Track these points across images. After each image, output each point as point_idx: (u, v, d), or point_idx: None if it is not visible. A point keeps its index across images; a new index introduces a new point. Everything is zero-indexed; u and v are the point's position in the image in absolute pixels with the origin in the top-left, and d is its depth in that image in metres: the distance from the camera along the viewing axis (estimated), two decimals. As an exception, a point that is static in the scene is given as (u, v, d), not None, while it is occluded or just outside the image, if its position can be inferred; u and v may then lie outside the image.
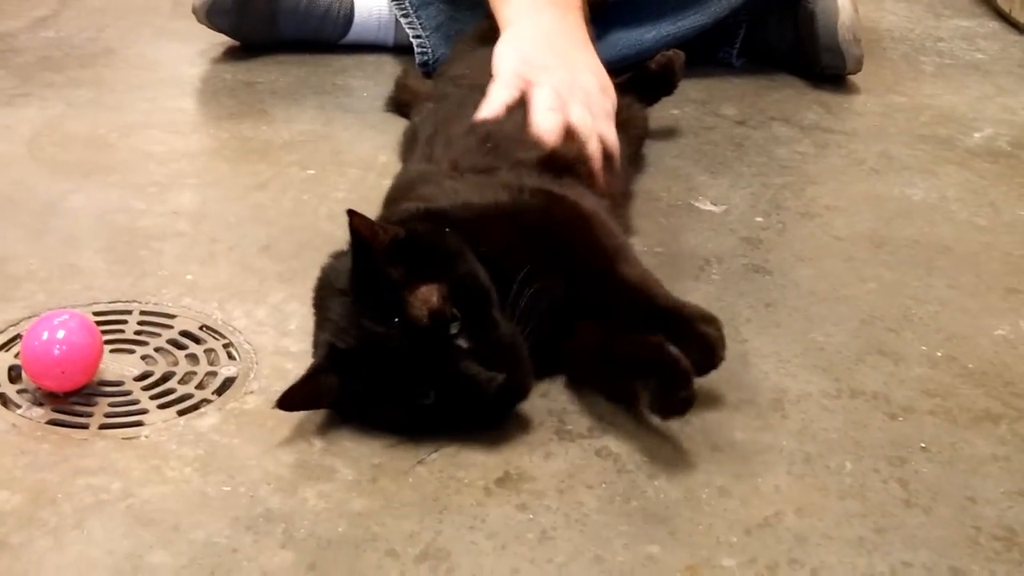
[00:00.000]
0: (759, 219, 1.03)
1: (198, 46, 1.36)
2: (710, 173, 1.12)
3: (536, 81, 0.94)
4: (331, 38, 1.38)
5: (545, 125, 0.90)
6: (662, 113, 1.27)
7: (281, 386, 0.74)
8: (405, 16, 1.35)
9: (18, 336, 0.77)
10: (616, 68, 1.34)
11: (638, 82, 1.15)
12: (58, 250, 0.89)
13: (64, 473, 0.65)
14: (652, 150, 1.17)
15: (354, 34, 1.38)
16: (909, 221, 1.04)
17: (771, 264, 0.94)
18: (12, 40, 1.34)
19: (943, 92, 1.40)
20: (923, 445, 0.72)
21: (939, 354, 0.82)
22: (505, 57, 0.97)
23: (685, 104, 1.31)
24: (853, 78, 1.39)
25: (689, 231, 1.00)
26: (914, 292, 0.91)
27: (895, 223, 1.04)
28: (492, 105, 0.93)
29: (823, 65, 1.37)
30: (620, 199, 0.96)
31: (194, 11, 1.32)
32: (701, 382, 0.70)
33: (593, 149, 0.91)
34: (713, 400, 0.75)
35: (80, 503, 0.63)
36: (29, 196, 0.98)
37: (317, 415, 0.71)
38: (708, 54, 1.43)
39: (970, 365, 0.81)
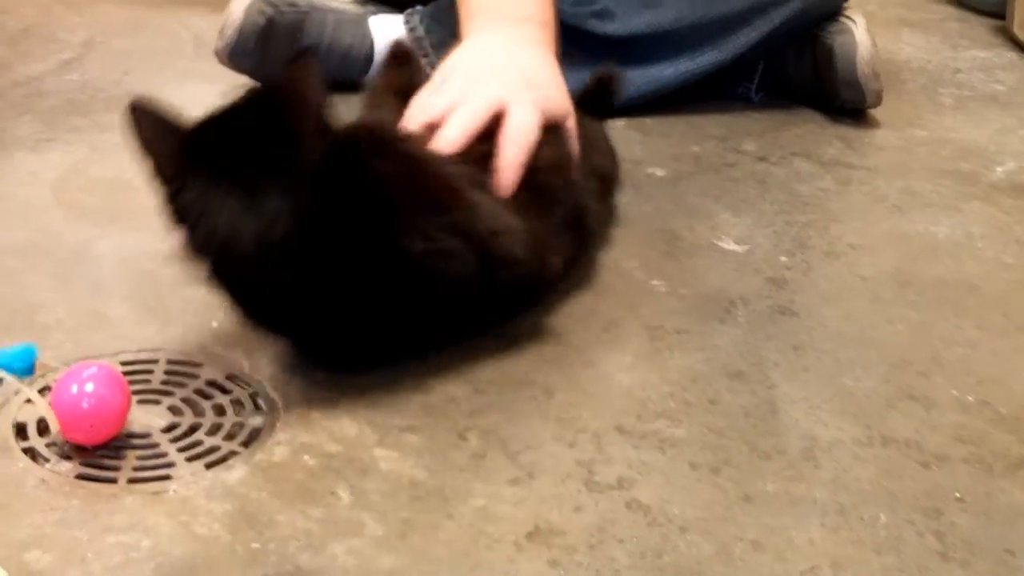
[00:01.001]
0: (783, 259, 1.02)
1: (220, 87, 1.36)
2: (732, 211, 1.12)
3: (447, 85, 0.91)
4: (353, 76, 1.38)
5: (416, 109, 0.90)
6: (682, 150, 1.28)
7: (308, 438, 0.74)
8: (424, 56, 1.35)
9: (47, 388, 0.77)
10: (636, 105, 1.36)
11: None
12: (85, 298, 0.89)
13: (94, 530, 0.65)
14: (674, 188, 1.17)
15: (375, 72, 1.39)
16: (934, 259, 1.04)
17: (797, 305, 0.94)
18: (38, 84, 1.35)
19: (963, 125, 1.40)
20: (958, 495, 0.71)
21: (970, 399, 0.82)
22: (438, 71, 0.94)
23: (705, 140, 1.31)
24: (873, 111, 1.39)
25: (713, 272, 0.99)
26: (942, 334, 0.91)
27: (920, 261, 1.03)
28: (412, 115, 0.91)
29: (842, 100, 1.37)
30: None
31: (216, 53, 1.33)
32: (731, 427, 0.69)
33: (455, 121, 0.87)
34: (744, 448, 0.75)
35: (110, 562, 0.63)
36: (56, 243, 0.98)
37: (344, 467, 0.71)
38: (727, 89, 1.43)
39: (1002, 410, 0.81)
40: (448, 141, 0.86)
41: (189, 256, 0.75)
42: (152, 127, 0.74)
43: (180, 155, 0.73)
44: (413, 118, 0.90)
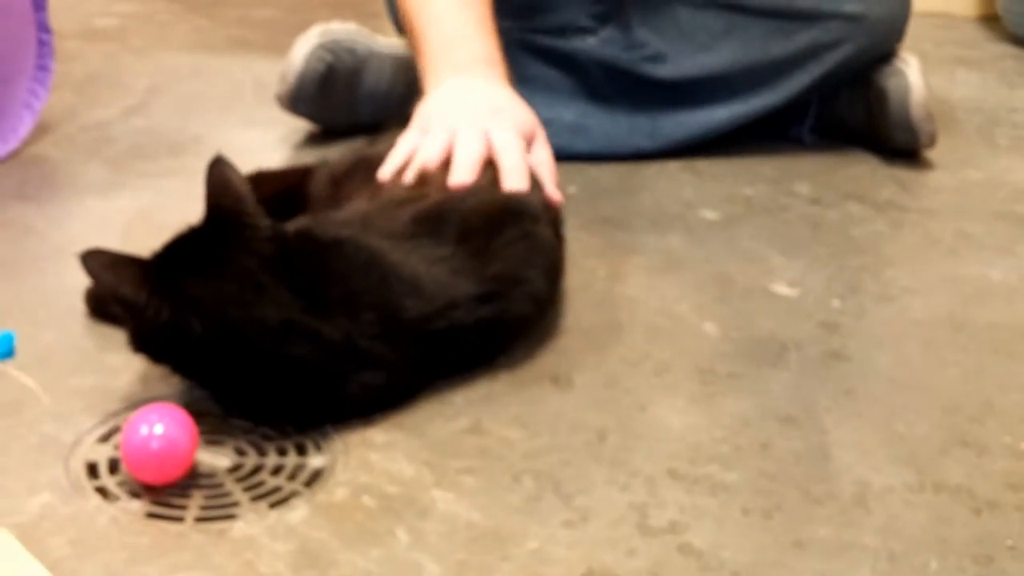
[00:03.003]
0: (836, 303, 1.03)
1: (280, 131, 1.40)
2: (785, 255, 1.13)
3: (430, 126, 1.01)
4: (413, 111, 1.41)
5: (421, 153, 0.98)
6: (735, 192, 1.29)
7: (368, 478, 0.76)
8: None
9: (117, 428, 0.80)
10: (686, 148, 1.37)
11: None
12: (152, 340, 0.92)
13: (163, 569, 0.67)
14: (726, 231, 1.18)
15: None
16: (989, 303, 1.04)
17: (850, 350, 0.95)
18: (105, 129, 1.40)
19: (1019, 166, 1.40)
20: (1010, 543, 0.71)
21: (1023, 446, 0.82)
22: (413, 118, 1.05)
23: (758, 182, 1.32)
24: (927, 152, 1.39)
25: (765, 316, 1.00)
26: (996, 379, 0.91)
27: (974, 305, 1.03)
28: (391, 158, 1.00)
29: (895, 142, 1.38)
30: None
31: (278, 98, 1.36)
32: (783, 472, 0.70)
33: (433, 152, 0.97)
34: (795, 493, 0.76)
35: (178, 599, 0.65)
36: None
37: (403, 508, 0.73)
38: (779, 131, 1.45)
39: (1056, 457, 0.81)
40: (464, 173, 0.95)
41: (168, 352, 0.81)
42: (110, 267, 0.78)
43: (147, 278, 0.78)
44: (414, 163, 0.98)
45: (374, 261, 0.84)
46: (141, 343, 0.81)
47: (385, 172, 0.98)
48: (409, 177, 0.96)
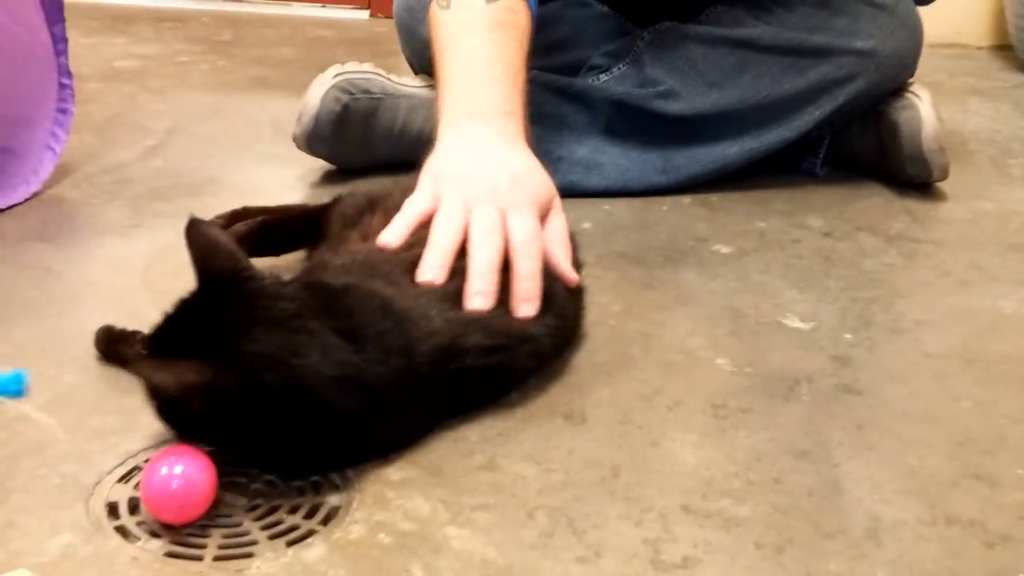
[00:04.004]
0: (848, 336, 1.03)
1: (297, 171, 1.42)
2: (797, 288, 1.14)
3: (444, 194, 0.94)
4: (424, 158, 1.43)
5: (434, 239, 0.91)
6: (747, 226, 1.30)
7: (383, 516, 0.77)
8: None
9: (137, 468, 0.81)
10: (699, 183, 1.38)
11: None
12: (171, 380, 0.93)
13: (181, 607, 0.68)
14: (739, 265, 1.19)
15: None
16: (1001, 335, 1.04)
17: (862, 384, 0.95)
18: (125, 170, 1.42)
19: (1032, 197, 1.41)
20: (1023, 577, 0.72)
21: (1036, 478, 0.82)
22: (423, 173, 0.99)
23: (770, 216, 1.33)
24: (940, 184, 1.40)
25: (778, 350, 1.01)
26: (1008, 411, 0.91)
27: (986, 338, 1.04)
28: (398, 221, 0.94)
29: (908, 175, 1.39)
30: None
31: (295, 139, 1.39)
32: (795, 507, 0.70)
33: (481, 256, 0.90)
34: (808, 527, 0.76)
35: (197, 638, 0.66)
36: (143, 327, 1.03)
37: (418, 545, 0.74)
38: (791, 163, 1.46)
39: (1069, 489, 0.81)
40: (481, 284, 0.89)
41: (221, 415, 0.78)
42: (162, 368, 0.77)
43: (197, 360, 0.75)
44: (431, 246, 0.91)
45: (387, 306, 0.84)
46: (194, 425, 0.79)
47: (391, 235, 0.92)
48: (430, 261, 0.89)
